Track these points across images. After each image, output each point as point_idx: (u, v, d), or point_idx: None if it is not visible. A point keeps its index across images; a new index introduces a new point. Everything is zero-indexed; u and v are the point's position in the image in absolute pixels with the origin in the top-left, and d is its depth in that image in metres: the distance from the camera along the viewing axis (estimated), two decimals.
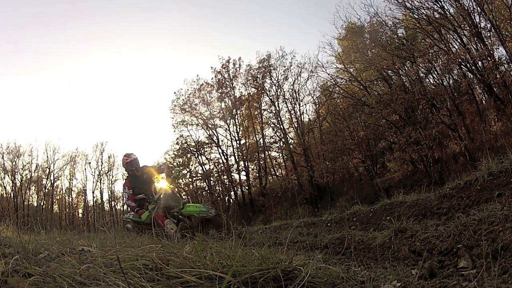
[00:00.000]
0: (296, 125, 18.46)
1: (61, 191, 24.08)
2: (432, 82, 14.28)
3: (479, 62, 11.81)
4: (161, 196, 4.27)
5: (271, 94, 18.86)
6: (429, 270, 1.09)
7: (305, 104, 20.57)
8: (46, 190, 22.74)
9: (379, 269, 1.16)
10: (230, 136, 19.97)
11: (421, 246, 1.43)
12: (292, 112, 18.64)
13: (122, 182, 5.32)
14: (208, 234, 3.69)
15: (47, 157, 22.64)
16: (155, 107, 41.84)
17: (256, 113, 19.75)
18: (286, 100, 18.70)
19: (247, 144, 19.95)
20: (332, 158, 16.35)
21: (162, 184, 4.66)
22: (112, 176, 24.61)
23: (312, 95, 18.65)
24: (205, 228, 4.02)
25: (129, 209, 4.71)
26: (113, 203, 24.95)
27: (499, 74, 11.20)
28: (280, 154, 20.11)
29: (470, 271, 1.04)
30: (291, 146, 18.78)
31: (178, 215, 4.18)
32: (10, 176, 21.37)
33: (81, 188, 24.31)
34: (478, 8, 11.23)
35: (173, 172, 4.75)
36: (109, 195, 24.67)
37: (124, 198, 4.76)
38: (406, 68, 13.88)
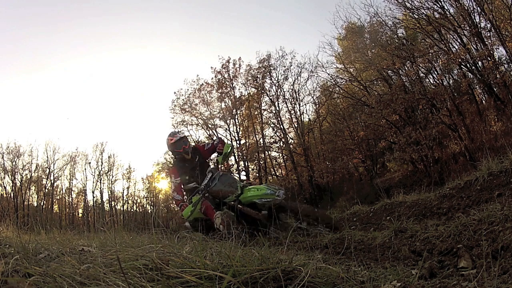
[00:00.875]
0: (296, 125, 18.47)
1: (61, 191, 24.10)
2: (432, 82, 14.30)
3: (479, 62, 11.82)
4: (210, 181, 3.20)
5: (271, 94, 18.88)
6: (429, 270, 1.09)
7: (305, 104, 20.64)
8: (46, 190, 22.74)
9: (379, 269, 1.16)
10: (230, 136, 19.96)
11: (421, 246, 1.43)
12: (292, 112, 18.68)
13: (169, 169, 4.11)
14: (283, 228, 2.92)
15: (47, 157, 22.67)
16: (155, 107, 41.82)
17: (256, 113, 19.75)
18: (286, 100, 18.73)
19: (247, 144, 19.95)
20: (332, 158, 16.36)
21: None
22: (112, 176, 24.65)
23: (312, 95, 18.67)
24: (277, 217, 3.00)
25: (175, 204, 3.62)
26: (113, 203, 24.97)
27: (499, 74, 11.20)
28: (280, 154, 20.12)
29: (470, 271, 1.04)
30: (291, 146, 18.78)
31: (237, 204, 3.10)
32: (10, 176, 21.40)
33: (81, 188, 24.34)
34: (478, 8, 11.23)
35: (224, 147, 3.55)
36: (109, 195, 24.70)
37: (170, 190, 3.88)
38: (406, 68, 13.88)
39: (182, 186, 3.46)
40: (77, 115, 37.70)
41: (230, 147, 3.53)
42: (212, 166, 3.60)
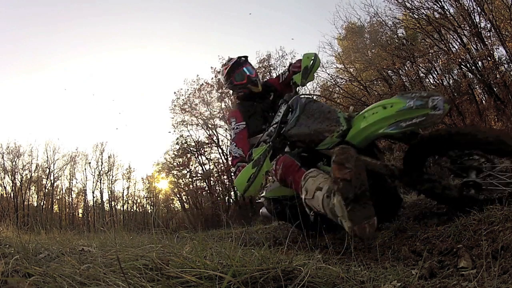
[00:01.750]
0: None
1: (61, 191, 24.08)
2: (432, 82, 14.29)
3: (479, 62, 11.82)
4: (285, 116, 1.80)
5: None
6: (429, 270, 1.09)
7: None
8: (46, 190, 22.74)
9: (379, 269, 1.16)
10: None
11: (421, 246, 1.42)
12: None
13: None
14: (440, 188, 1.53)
15: (47, 157, 22.64)
16: (155, 107, 41.76)
17: None
18: None
19: None
20: None
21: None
22: (112, 176, 24.62)
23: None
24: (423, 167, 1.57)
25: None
26: (113, 203, 24.97)
27: (499, 74, 11.21)
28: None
29: (470, 271, 1.04)
30: None
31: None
32: (10, 176, 21.39)
33: (81, 188, 24.32)
34: (478, 8, 11.23)
35: (302, 62, 2.16)
36: (109, 195, 24.68)
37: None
38: (406, 68, 13.89)
39: (246, 135, 2.21)
40: (77, 115, 37.66)
41: (313, 57, 2.14)
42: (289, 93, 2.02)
